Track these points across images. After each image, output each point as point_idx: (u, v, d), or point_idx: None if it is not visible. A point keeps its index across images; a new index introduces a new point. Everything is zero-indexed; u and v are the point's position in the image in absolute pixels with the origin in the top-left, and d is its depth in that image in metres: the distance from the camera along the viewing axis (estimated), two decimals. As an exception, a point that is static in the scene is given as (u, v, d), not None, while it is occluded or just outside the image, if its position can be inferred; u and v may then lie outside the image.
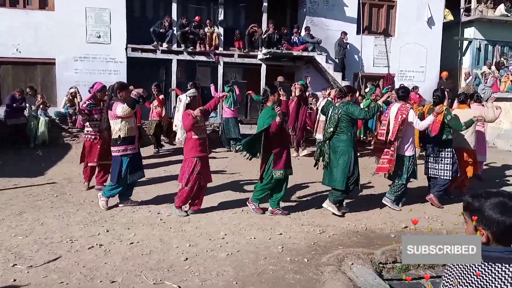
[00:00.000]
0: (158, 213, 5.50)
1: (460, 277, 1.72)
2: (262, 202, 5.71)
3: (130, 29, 12.34)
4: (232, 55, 13.16)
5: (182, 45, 12.63)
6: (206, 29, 12.74)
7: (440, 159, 6.11)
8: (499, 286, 1.57)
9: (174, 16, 12.67)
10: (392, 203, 6.00)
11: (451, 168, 6.05)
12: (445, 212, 5.89)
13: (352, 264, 4.11)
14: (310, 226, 5.20)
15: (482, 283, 1.63)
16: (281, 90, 5.73)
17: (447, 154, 6.07)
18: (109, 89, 5.68)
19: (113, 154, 5.56)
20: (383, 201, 6.06)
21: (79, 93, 10.39)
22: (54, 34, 11.64)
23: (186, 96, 5.54)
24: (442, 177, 6.10)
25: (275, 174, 5.37)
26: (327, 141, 5.56)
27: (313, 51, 13.03)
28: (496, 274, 1.59)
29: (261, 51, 13.00)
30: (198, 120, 5.29)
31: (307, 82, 10.65)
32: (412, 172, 5.96)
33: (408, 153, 5.90)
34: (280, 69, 13.65)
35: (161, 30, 12.35)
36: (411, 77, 14.68)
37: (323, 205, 5.68)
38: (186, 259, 4.16)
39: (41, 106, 10.32)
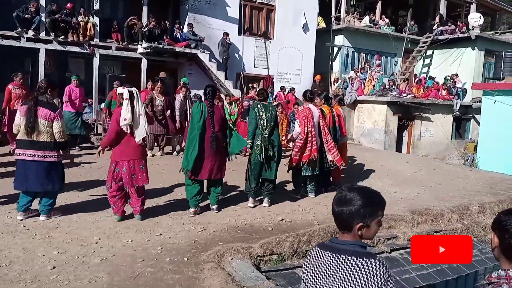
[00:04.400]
0: (21, 220, 4.92)
1: (314, 269, 1.86)
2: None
3: (-13, 12, 10.86)
4: (109, 47, 12.41)
5: (51, 33, 11.50)
6: (79, 18, 11.80)
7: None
8: (343, 275, 1.73)
9: (42, 1, 11.47)
10: (311, 193, 6.72)
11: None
12: (316, 205, 6.33)
13: (232, 259, 4.17)
14: (191, 224, 5.14)
15: (330, 272, 1.78)
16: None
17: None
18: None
19: None
20: (310, 195, 6.65)
21: None
22: None
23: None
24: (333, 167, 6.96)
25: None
26: (268, 137, 5.95)
27: (196, 49, 12.96)
28: (341, 264, 1.75)
29: (141, 45, 12.50)
30: None
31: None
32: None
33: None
34: (162, 65, 13.32)
35: (26, 16, 11.07)
36: (289, 79, 15.53)
37: (266, 205, 6.08)
38: (54, 267, 3.80)
39: None
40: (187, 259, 4.12)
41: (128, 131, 4.97)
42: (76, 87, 9.33)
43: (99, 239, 4.51)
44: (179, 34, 13.02)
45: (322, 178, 7.00)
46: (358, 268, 1.69)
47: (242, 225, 5.26)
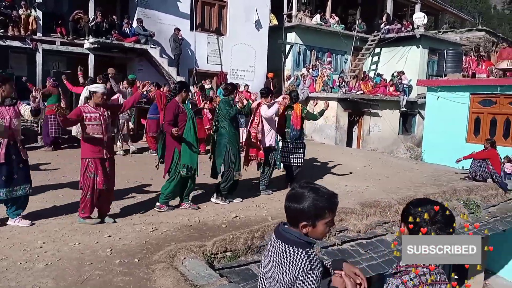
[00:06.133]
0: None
1: (267, 247, 1.95)
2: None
3: None
4: (53, 42, 11.83)
5: (-11, 27, 10.81)
6: (20, 11, 11.16)
7: (295, 149, 7.00)
8: (276, 258, 1.80)
9: (-23, -8, 10.76)
10: (266, 192, 6.70)
11: (302, 156, 7.08)
12: (270, 200, 6.37)
13: (184, 258, 4.11)
14: (142, 225, 5.01)
15: (270, 254, 1.86)
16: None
17: (300, 145, 7.05)
18: None
19: None
20: (261, 193, 6.63)
21: None
22: None
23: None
24: (296, 164, 7.03)
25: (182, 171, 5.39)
26: (214, 135, 5.94)
27: (146, 44, 12.65)
28: (277, 248, 1.82)
29: (88, 39, 12.03)
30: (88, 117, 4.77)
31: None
32: (275, 161, 6.65)
33: (264, 144, 6.47)
34: (110, 60, 12.89)
35: (-40, 8, 10.36)
36: (242, 76, 15.53)
37: (212, 200, 6.03)
38: (-7, 275, 3.58)
39: None
40: (138, 260, 4.01)
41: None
42: None
43: (44, 243, 4.30)
44: (128, 29, 12.65)
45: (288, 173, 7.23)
46: (285, 255, 1.76)
47: (195, 223, 5.19)
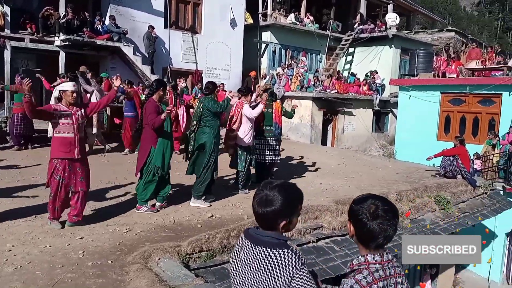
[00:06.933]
0: None
1: (237, 255, 1.91)
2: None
3: None
4: (22, 39, 11.49)
5: (-47, 22, 10.41)
6: (-14, 7, 10.80)
7: (275, 146, 7.12)
8: (258, 265, 1.77)
9: None
10: (242, 191, 6.63)
11: (278, 153, 7.25)
12: (246, 199, 6.36)
13: (159, 259, 4.06)
14: (116, 225, 4.92)
15: (247, 261, 1.82)
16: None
17: (279, 142, 7.25)
18: None
19: None
20: (240, 192, 6.59)
21: None
22: None
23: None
24: (274, 161, 7.16)
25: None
26: (193, 134, 5.90)
27: (119, 42, 12.42)
28: (256, 254, 1.79)
29: (58, 37, 11.73)
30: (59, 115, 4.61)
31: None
32: (250, 160, 6.66)
33: (244, 143, 6.48)
34: (82, 58, 12.61)
35: None
36: (218, 75, 15.46)
37: (191, 204, 5.86)
38: (-41, 280, 3.45)
39: None
40: (112, 262, 3.94)
41: None
42: None
43: (13, 246, 4.17)
44: (100, 26, 12.40)
45: (261, 171, 7.24)
46: (271, 259, 1.74)
47: (170, 224, 5.14)
